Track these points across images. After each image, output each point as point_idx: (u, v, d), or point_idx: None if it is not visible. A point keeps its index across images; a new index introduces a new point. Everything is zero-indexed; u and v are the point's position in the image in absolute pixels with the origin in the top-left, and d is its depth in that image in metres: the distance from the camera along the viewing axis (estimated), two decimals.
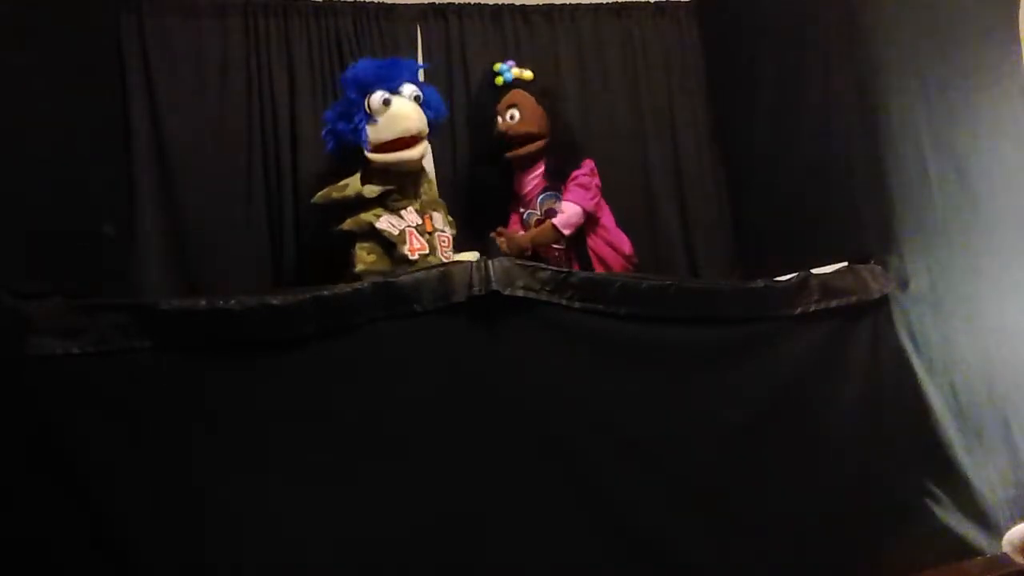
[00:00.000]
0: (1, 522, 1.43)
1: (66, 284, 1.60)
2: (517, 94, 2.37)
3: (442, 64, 2.59)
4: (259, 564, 1.55)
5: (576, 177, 2.31)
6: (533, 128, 2.34)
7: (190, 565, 1.52)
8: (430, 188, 2.37)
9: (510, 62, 2.44)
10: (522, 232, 2.35)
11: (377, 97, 2.19)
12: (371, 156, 2.20)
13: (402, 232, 2.16)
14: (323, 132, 2.26)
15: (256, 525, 1.55)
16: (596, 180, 2.35)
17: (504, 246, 2.20)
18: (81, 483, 1.48)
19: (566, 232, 2.27)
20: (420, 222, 2.22)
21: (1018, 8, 2.07)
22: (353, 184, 2.18)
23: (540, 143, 2.35)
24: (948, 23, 2.04)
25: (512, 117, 2.35)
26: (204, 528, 1.53)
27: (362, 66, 2.26)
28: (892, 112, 2.01)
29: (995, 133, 2.02)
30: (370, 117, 2.19)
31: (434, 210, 2.29)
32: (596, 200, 2.33)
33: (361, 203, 2.17)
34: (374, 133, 2.19)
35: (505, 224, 2.40)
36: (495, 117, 2.38)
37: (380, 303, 1.65)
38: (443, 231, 2.27)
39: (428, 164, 2.45)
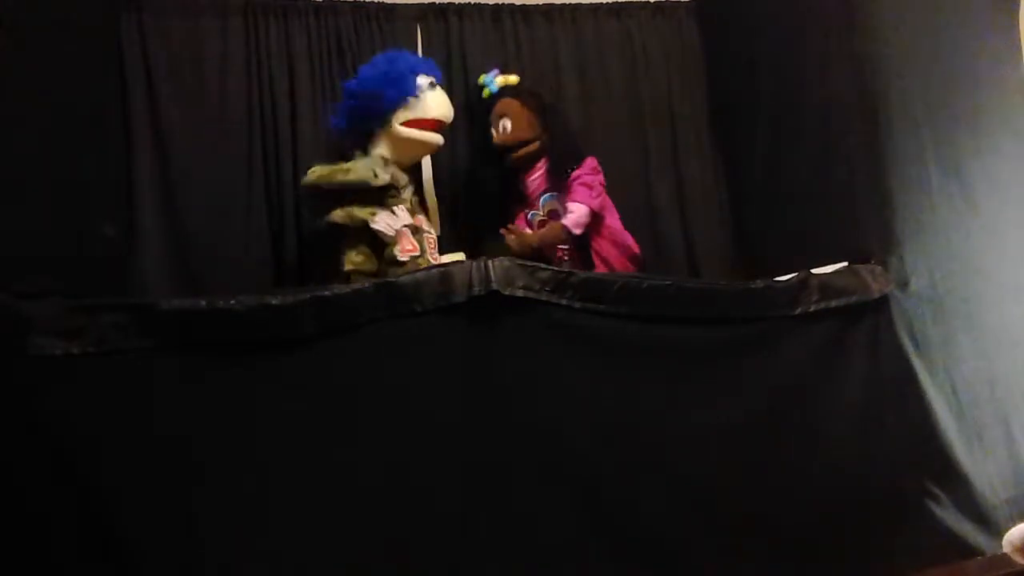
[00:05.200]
0: (1, 522, 1.43)
1: (66, 284, 1.60)
2: (505, 103, 2.39)
3: (442, 64, 2.58)
4: (259, 563, 1.54)
5: (579, 177, 2.30)
6: (525, 134, 2.36)
7: (190, 564, 1.52)
8: (421, 188, 2.40)
9: (493, 71, 2.46)
10: (530, 231, 2.35)
11: (425, 78, 2.27)
12: (400, 128, 2.24)
13: (396, 233, 2.16)
14: (352, 92, 2.25)
15: (256, 524, 1.55)
16: (599, 178, 2.34)
17: (515, 244, 2.18)
18: (81, 483, 1.48)
19: (576, 232, 2.26)
20: (411, 222, 2.22)
21: (1018, 8, 2.08)
22: (359, 169, 2.16)
23: (535, 145, 2.36)
24: (948, 23, 2.04)
25: (504, 128, 2.36)
26: (204, 528, 1.53)
27: (401, 53, 2.35)
28: (892, 112, 2.01)
29: (996, 133, 2.02)
30: (416, 93, 2.25)
31: (420, 211, 2.31)
32: (601, 198, 2.33)
33: (359, 192, 2.16)
34: (413, 108, 2.25)
35: (506, 224, 2.40)
36: (489, 128, 2.40)
37: (380, 303, 1.65)
38: (429, 232, 2.29)
39: (426, 165, 2.47)
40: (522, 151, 2.36)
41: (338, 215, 2.16)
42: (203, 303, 1.57)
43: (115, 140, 2.25)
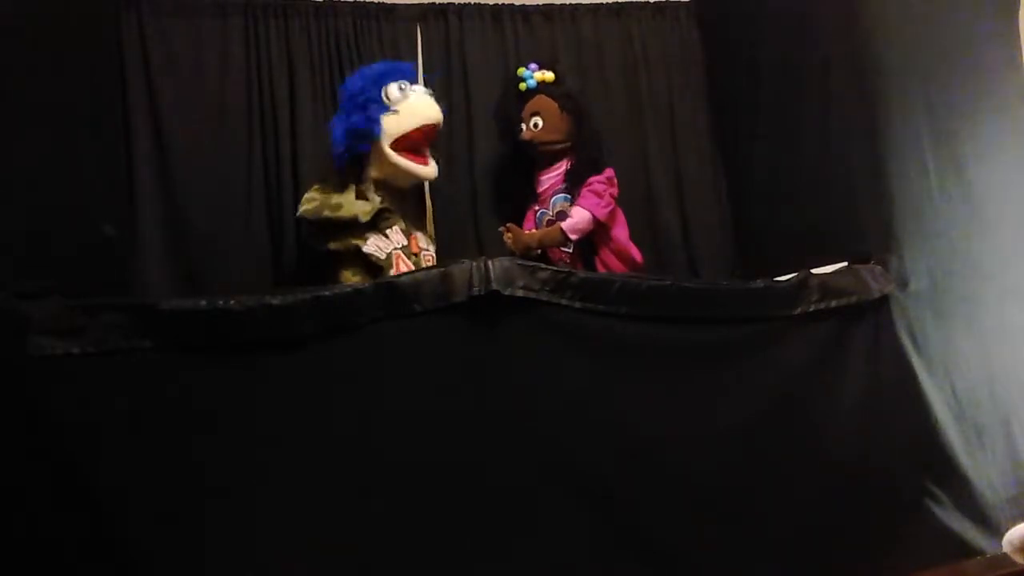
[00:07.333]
0: (1, 522, 1.43)
1: (66, 284, 1.60)
2: (540, 100, 2.36)
3: (442, 64, 2.58)
4: (258, 565, 1.54)
5: (591, 183, 2.29)
6: (556, 136, 2.35)
7: (190, 565, 1.52)
8: (419, 205, 2.38)
9: (533, 66, 2.42)
10: (532, 230, 2.34)
11: (395, 86, 2.14)
12: (389, 153, 2.13)
13: (389, 256, 2.13)
14: (335, 137, 2.14)
15: (255, 526, 1.55)
16: (612, 190, 2.33)
17: (510, 243, 2.20)
18: (81, 483, 1.48)
19: (572, 237, 2.26)
20: (406, 243, 2.19)
21: (1018, 10, 2.08)
22: (348, 206, 2.11)
23: (564, 146, 2.36)
24: (949, 24, 2.04)
25: (536, 125, 2.35)
26: (204, 528, 1.53)
27: (368, 66, 2.25)
28: (892, 112, 2.01)
29: (995, 134, 2.02)
30: (388, 108, 2.13)
31: (418, 229, 2.28)
32: (609, 209, 2.30)
33: (353, 224, 2.12)
34: (394, 124, 2.12)
35: (520, 221, 2.40)
36: (519, 123, 2.38)
37: (380, 303, 1.65)
38: (427, 250, 2.26)
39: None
40: (548, 148, 2.36)
41: (333, 245, 2.12)
42: (203, 303, 1.57)
43: (115, 140, 2.25)
